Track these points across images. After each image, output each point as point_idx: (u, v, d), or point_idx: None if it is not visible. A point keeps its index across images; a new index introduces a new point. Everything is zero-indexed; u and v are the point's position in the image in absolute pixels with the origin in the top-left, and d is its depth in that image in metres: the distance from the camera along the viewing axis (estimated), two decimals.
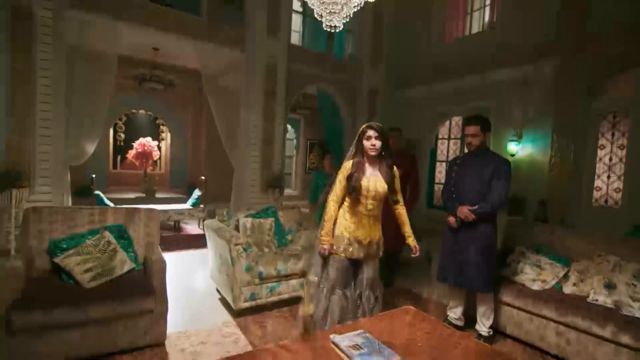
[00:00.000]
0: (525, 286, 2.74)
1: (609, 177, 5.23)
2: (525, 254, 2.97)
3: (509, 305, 2.70)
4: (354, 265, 2.20)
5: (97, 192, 5.24)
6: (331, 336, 1.53)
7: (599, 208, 5.26)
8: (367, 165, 2.16)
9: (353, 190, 2.09)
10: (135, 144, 8.17)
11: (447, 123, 7.23)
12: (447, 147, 7.32)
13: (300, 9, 7.27)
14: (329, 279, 2.16)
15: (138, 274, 2.53)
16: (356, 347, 1.47)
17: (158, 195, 7.51)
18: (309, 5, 1.30)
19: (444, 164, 7.37)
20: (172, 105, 8.63)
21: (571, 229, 3.91)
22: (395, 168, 2.21)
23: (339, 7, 1.21)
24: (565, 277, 2.72)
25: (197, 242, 5.21)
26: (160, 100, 8.29)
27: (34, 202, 4.35)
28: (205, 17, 5.70)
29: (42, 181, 4.48)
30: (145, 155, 8.36)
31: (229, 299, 2.86)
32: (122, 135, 8.84)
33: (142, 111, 8.94)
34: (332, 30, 1.31)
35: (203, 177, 6.17)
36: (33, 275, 2.28)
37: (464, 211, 2.53)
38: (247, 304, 2.79)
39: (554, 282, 2.71)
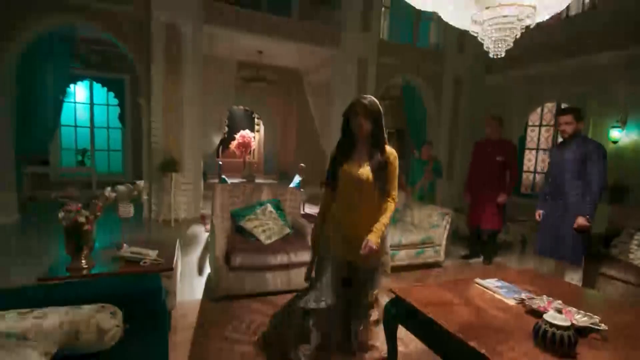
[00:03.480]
0: (633, 264, 2.98)
1: None
2: (633, 235, 3.17)
3: (614, 279, 2.98)
4: (343, 268, 1.88)
5: (223, 176, 6.34)
6: (475, 279, 2.08)
7: None
8: (356, 148, 1.83)
9: (332, 177, 1.86)
10: (237, 136, 9.40)
11: (539, 110, 7.11)
12: (538, 135, 7.21)
13: (388, 3, 7.63)
14: (315, 285, 1.88)
15: (292, 236, 3.31)
16: (497, 287, 2.00)
17: (257, 180, 8.62)
18: (480, 40, 1.67)
19: (533, 152, 7.29)
20: (265, 100, 9.65)
21: None
22: (393, 154, 1.83)
23: (510, 33, 1.54)
24: None
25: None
26: (256, 95, 9.33)
27: (184, 183, 5.53)
28: (296, 16, 6.27)
29: (188, 166, 5.63)
30: (245, 145, 9.58)
31: None
32: (226, 128, 10.13)
33: (240, 106, 10.15)
34: (495, 56, 1.68)
35: (302, 164, 6.99)
36: (229, 233, 3.17)
37: (580, 222, 2.72)
38: None
39: None
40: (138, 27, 5.12)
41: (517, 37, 1.56)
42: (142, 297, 1.58)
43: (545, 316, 1.47)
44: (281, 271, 2.90)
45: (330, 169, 1.89)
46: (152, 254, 2.37)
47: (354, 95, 6.72)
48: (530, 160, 7.39)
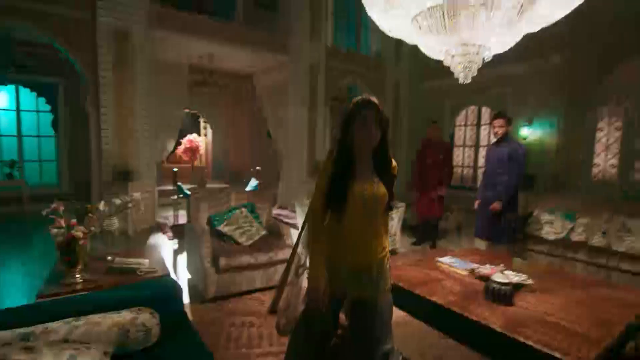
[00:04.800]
0: (544, 238, 3.79)
1: (606, 155, 6.22)
2: (541, 215, 4.00)
3: (532, 250, 3.76)
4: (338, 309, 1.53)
5: (179, 183, 6.26)
6: (436, 259, 2.57)
7: (598, 182, 6.27)
8: (358, 161, 1.47)
9: (338, 200, 1.43)
10: (184, 140, 9.16)
11: (464, 112, 8.18)
12: (464, 133, 8.28)
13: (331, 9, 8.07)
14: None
15: (269, 237, 3.56)
16: (452, 262, 2.52)
17: (208, 185, 8.54)
18: (450, 68, 2.06)
19: (461, 149, 8.35)
20: (215, 103, 9.54)
21: (572, 196, 4.93)
22: (395, 166, 1.54)
23: (475, 66, 1.98)
24: (572, 229, 3.77)
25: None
26: (205, 99, 9.19)
27: (140, 192, 5.39)
28: (242, 21, 6.43)
29: (143, 174, 5.49)
30: (193, 150, 9.37)
31: None
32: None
33: (185, 110, 9.88)
34: (464, 82, 2.04)
35: (258, 168, 7.16)
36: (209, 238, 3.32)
37: (494, 206, 3.39)
38: None
39: (564, 234, 3.76)
40: (83, 30, 4.88)
41: (479, 67, 2.03)
42: (165, 299, 1.76)
43: (492, 278, 1.99)
44: (265, 269, 3.16)
45: (332, 190, 1.44)
46: (145, 262, 2.48)
47: (306, 99, 7.08)
48: (458, 156, 8.45)
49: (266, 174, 7.43)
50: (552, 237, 3.76)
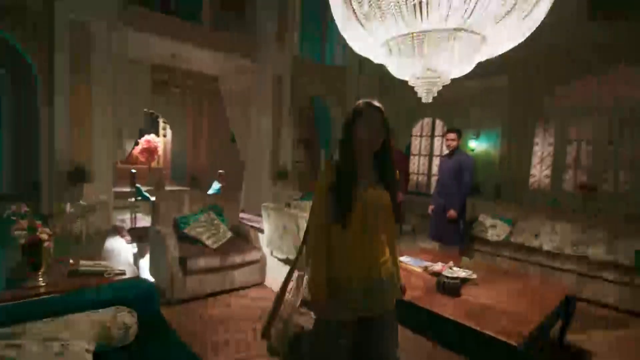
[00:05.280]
0: (488, 239, 4.22)
1: (541, 167, 6.99)
2: (485, 220, 4.46)
3: (478, 250, 4.18)
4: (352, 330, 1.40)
5: (137, 185, 6.05)
6: None
7: (534, 190, 7.01)
8: (359, 165, 1.40)
9: (343, 208, 1.34)
10: (142, 140, 8.84)
11: (420, 123, 8.74)
12: (420, 143, 8.84)
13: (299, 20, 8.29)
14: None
15: (235, 239, 3.62)
16: (408, 261, 2.77)
17: (167, 188, 8.32)
18: (414, 88, 2.30)
19: (416, 157, 8.90)
20: (176, 104, 9.31)
21: (512, 203, 5.51)
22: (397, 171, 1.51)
23: (436, 88, 2.25)
24: (511, 232, 4.24)
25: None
26: (166, 99, 8.95)
27: (95, 194, 5.16)
28: (208, 24, 6.42)
29: (99, 175, 5.26)
30: (151, 151, 9.06)
31: (293, 257, 4.04)
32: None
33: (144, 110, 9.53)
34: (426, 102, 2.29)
35: (222, 171, 7.12)
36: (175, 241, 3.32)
37: (450, 214, 3.68)
38: None
39: (504, 236, 4.22)
40: (39, 22, 4.62)
41: (439, 89, 2.29)
42: (142, 299, 1.81)
43: (442, 273, 2.25)
44: (233, 271, 3.23)
45: (336, 197, 1.34)
46: (112, 265, 2.46)
47: (271, 105, 7.18)
48: (414, 164, 8.99)
49: (229, 177, 7.39)
50: (494, 239, 4.20)
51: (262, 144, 7.11)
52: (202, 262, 3.04)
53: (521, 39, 1.90)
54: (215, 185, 6.95)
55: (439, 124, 8.50)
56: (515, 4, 1.56)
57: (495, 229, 4.30)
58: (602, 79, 5.44)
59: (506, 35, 1.82)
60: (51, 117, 4.84)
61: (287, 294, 1.61)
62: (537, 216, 4.22)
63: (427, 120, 8.69)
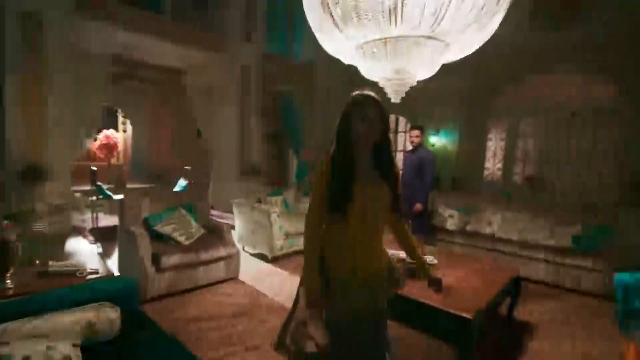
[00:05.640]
0: (447, 229, 4.56)
1: (494, 161, 7.55)
2: (445, 211, 4.80)
3: (440, 240, 4.51)
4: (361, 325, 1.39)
5: (99, 183, 5.80)
6: None
7: (488, 183, 7.57)
8: (357, 159, 1.37)
9: (339, 208, 1.33)
10: (100, 136, 8.41)
11: None
12: None
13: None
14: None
15: (208, 235, 3.64)
16: None
17: (130, 185, 8.02)
18: (385, 89, 2.45)
19: None
20: (137, 98, 8.93)
21: (468, 194, 5.95)
22: (397, 165, 1.47)
23: (404, 89, 2.43)
24: (468, 221, 4.61)
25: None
26: (126, 93, 8.55)
27: (53, 193, 4.91)
28: (173, 15, 6.24)
29: (57, 173, 4.99)
30: (110, 147, 8.66)
31: (266, 251, 4.13)
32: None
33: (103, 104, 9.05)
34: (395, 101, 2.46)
35: (188, 167, 6.98)
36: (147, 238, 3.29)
37: (416, 207, 3.93)
38: (278, 253, 4.12)
39: (462, 225, 4.57)
40: None
41: (407, 90, 2.47)
42: (122, 296, 1.84)
43: (407, 260, 2.46)
44: (207, 266, 3.27)
45: (334, 192, 1.33)
46: (82, 265, 2.43)
47: (239, 100, 7.12)
48: None
49: (196, 174, 7.27)
50: (453, 228, 4.55)
51: (230, 139, 7.06)
52: (175, 259, 3.06)
53: (478, 46, 2.13)
54: (182, 182, 6.81)
55: (402, 120, 8.87)
56: (475, 18, 1.76)
57: (453, 219, 4.65)
58: (544, 80, 5.97)
59: (466, 43, 2.04)
60: (1, 113, 4.52)
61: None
62: (490, 206, 4.62)
63: (391, 117, 9.02)
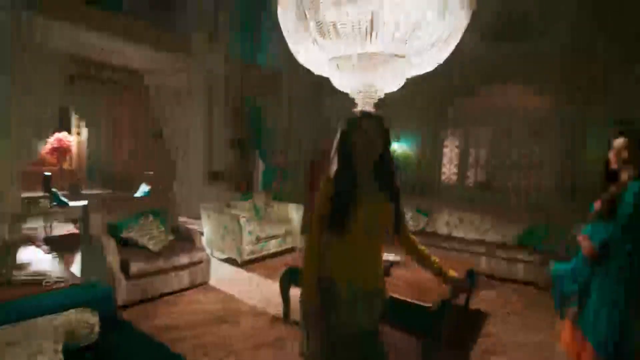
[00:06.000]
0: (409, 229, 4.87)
1: (450, 166, 8.08)
2: (406, 213, 5.11)
3: None
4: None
5: (53, 189, 5.48)
6: None
7: (445, 187, 8.07)
8: (359, 176, 1.40)
9: (341, 226, 1.35)
10: (51, 139, 7.90)
11: None
12: None
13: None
14: None
15: (177, 241, 3.62)
16: None
17: (86, 192, 7.62)
18: (355, 100, 2.63)
19: None
20: (93, 100, 8.50)
21: (428, 197, 6.35)
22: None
23: (373, 101, 2.61)
24: (428, 222, 4.94)
25: None
26: (82, 94, 8.12)
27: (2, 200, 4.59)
28: (136, 15, 6.07)
29: (3, 180, 4.67)
30: (62, 150, 8.17)
31: (236, 256, 4.16)
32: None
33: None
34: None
35: (150, 172, 6.77)
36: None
37: None
38: (248, 257, 4.17)
39: (421, 226, 4.90)
40: None
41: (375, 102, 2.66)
42: (98, 301, 1.84)
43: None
44: (177, 272, 3.25)
45: (337, 210, 1.35)
46: (49, 273, 2.37)
47: (204, 104, 7.03)
48: None
49: (159, 179, 7.07)
50: (413, 229, 4.86)
51: (195, 144, 6.96)
52: (145, 266, 3.03)
53: (437, 64, 2.39)
54: (144, 188, 6.61)
55: None
56: (436, 41, 2.01)
57: (415, 220, 4.96)
58: (494, 91, 6.53)
59: (428, 61, 2.29)
60: None
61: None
62: (447, 208, 5.00)
63: None
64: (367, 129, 1.36)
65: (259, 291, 3.50)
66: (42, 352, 1.36)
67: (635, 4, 4.59)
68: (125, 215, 3.49)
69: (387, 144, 1.41)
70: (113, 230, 3.34)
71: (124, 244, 3.28)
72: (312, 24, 1.98)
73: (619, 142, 1.84)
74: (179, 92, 6.99)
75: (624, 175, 1.83)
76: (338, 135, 1.41)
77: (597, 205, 1.94)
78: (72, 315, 1.59)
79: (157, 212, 3.73)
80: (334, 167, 1.41)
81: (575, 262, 2.02)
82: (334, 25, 1.90)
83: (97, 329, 1.65)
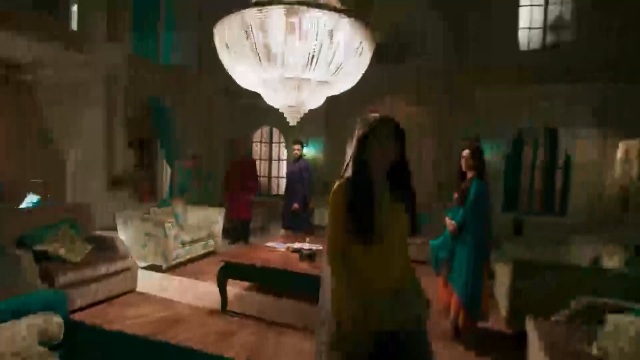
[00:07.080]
0: (322, 225, 5.55)
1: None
2: (316, 209, 5.78)
3: (320, 233, 5.43)
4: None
5: None
6: (266, 244, 3.57)
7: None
8: (375, 184, 1.39)
9: (365, 230, 1.32)
10: None
11: (259, 131, 9.72)
12: (260, 149, 9.81)
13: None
14: None
15: (96, 250, 3.50)
16: (274, 245, 3.58)
17: None
18: (284, 114, 3.06)
19: (258, 162, 9.83)
20: None
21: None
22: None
23: (299, 115, 3.04)
24: None
25: None
26: None
27: None
28: (14, 4, 5.43)
29: None
30: None
31: (160, 262, 4.18)
32: None
33: None
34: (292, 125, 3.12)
35: (39, 180, 6.00)
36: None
37: (294, 207, 4.77)
38: (174, 262, 4.24)
39: None
40: None
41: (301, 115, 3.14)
42: (51, 307, 1.91)
43: (302, 248, 3.19)
44: (103, 280, 3.22)
45: (356, 218, 1.33)
46: None
47: (102, 104, 6.50)
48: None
49: (49, 186, 6.29)
50: (325, 223, 5.57)
51: (93, 147, 6.43)
52: (70, 276, 2.94)
53: (351, 86, 3.04)
54: (32, 198, 5.83)
55: (275, 132, 9.69)
56: (352, 73, 2.63)
57: (326, 216, 5.68)
58: (384, 103, 7.69)
59: (343, 85, 2.92)
60: None
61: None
62: None
63: (265, 129, 9.73)
64: (382, 135, 1.36)
65: (193, 291, 3.65)
66: (34, 350, 1.48)
67: (484, 39, 6.17)
68: (33, 228, 3.26)
69: (403, 147, 1.39)
70: (24, 243, 3.11)
71: (42, 257, 3.09)
72: (256, 47, 2.37)
73: (466, 152, 2.74)
74: (74, 91, 6.35)
75: (470, 175, 2.73)
76: (354, 141, 1.41)
77: (455, 196, 2.83)
78: (39, 317, 1.67)
79: (72, 222, 3.55)
80: (347, 174, 1.42)
81: (444, 237, 2.89)
82: (275, 54, 2.35)
83: (62, 329, 1.76)
